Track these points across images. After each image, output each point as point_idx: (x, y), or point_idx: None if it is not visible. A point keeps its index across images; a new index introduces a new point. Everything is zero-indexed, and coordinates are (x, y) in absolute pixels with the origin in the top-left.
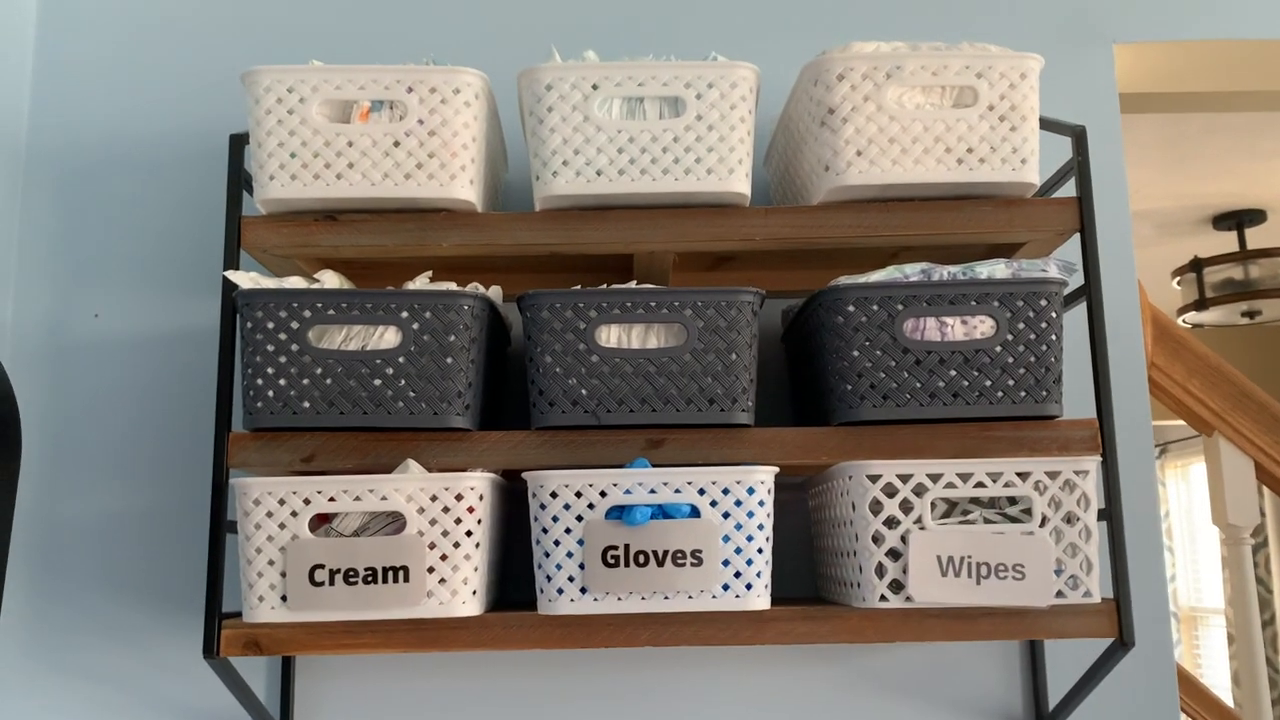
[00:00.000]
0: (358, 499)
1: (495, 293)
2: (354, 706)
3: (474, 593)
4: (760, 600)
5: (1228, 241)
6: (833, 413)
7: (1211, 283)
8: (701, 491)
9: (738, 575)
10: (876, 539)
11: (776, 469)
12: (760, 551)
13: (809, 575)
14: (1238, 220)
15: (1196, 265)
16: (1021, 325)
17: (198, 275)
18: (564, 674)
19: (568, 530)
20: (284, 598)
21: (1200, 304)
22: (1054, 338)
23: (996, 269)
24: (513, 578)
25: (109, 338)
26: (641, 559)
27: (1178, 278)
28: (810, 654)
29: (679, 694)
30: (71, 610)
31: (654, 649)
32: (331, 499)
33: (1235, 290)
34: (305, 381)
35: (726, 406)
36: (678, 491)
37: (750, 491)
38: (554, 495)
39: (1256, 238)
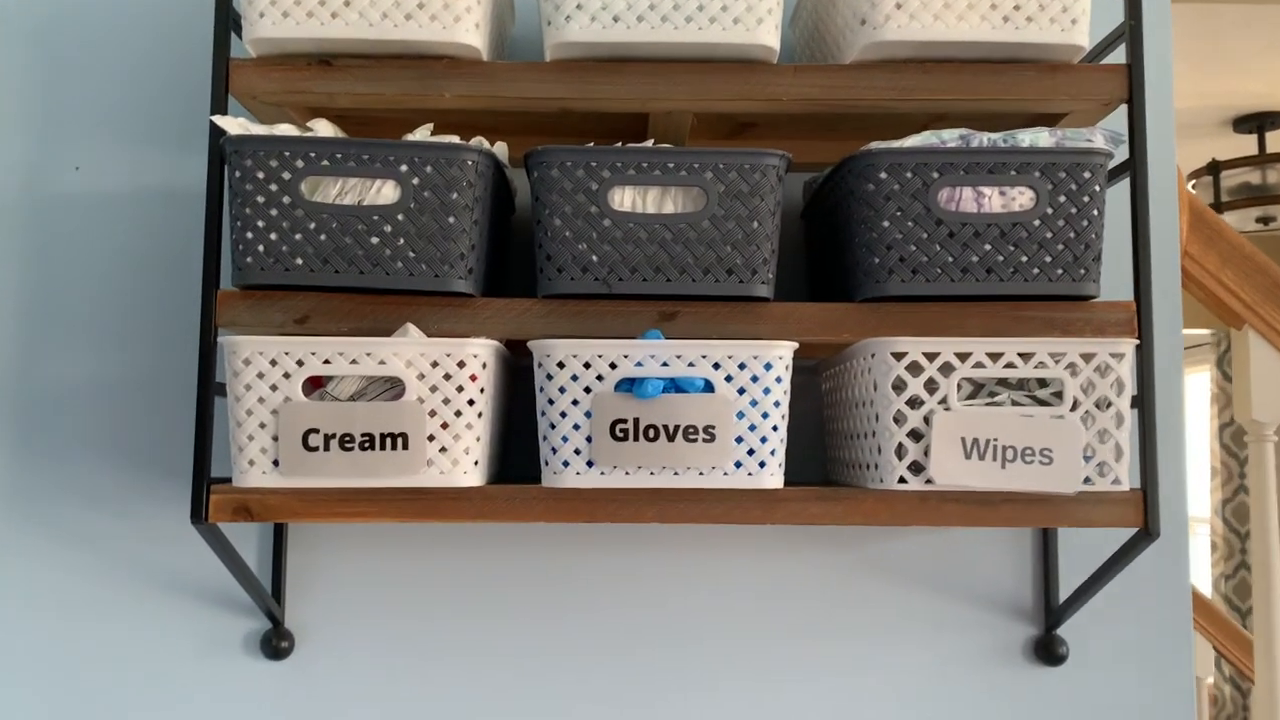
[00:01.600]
0: (354, 362)
1: (500, 149)
2: (348, 579)
3: (475, 463)
4: (773, 479)
5: (1247, 145)
6: (858, 288)
7: (1228, 187)
8: (716, 366)
9: (751, 453)
10: (898, 419)
11: (796, 345)
12: (775, 429)
13: (817, 463)
14: (1259, 123)
15: (1214, 168)
16: (1063, 198)
17: (185, 125)
18: (567, 551)
19: (575, 402)
20: (276, 463)
21: (1214, 208)
22: (1096, 213)
23: (1039, 137)
24: (513, 457)
25: (90, 191)
26: (651, 433)
27: (1193, 181)
28: (819, 539)
29: (683, 576)
30: (56, 475)
31: (661, 528)
32: (326, 361)
33: (1251, 195)
34: (298, 237)
35: (746, 278)
36: (691, 365)
37: (768, 367)
38: (561, 366)
39: (1277, 142)
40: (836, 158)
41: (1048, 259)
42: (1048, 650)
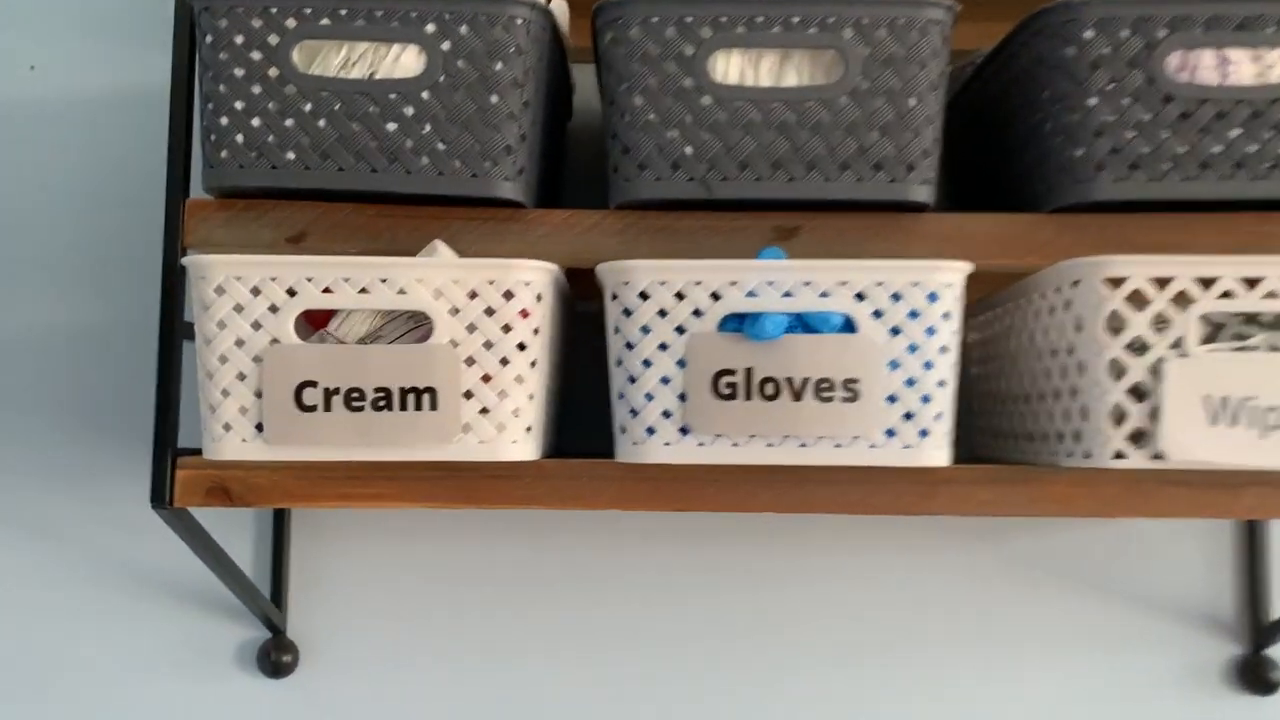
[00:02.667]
0: (364, 291)
1: (559, 8)
2: (364, 579)
3: (528, 429)
4: (938, 453)
5: None
6: (1050, 191)
7: None
8: (860, 296)
9: (908, 417)
10: (1115, 370)
11: (971, 266)
12: (942, 385)
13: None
14: None
15: None
16: None
17: (154, 15)
18: (642, 545)
19: (663, 347)
20: (259, 427)
21: None
22: None
23: None
24: (573, 429)
25: (47, 94)
26: (770, 389)
27: None
28: (957, 529)
29: (782, 572)
30: None
31: (773, 519)
32: (327, 290)
33: None
34: (289, 123)
35: (899, 175)
36: (825, 295)
37: (932, 299)
38: (644, 297)
39: None
40: (988, 44)
41: None
42: (1255, 675)
